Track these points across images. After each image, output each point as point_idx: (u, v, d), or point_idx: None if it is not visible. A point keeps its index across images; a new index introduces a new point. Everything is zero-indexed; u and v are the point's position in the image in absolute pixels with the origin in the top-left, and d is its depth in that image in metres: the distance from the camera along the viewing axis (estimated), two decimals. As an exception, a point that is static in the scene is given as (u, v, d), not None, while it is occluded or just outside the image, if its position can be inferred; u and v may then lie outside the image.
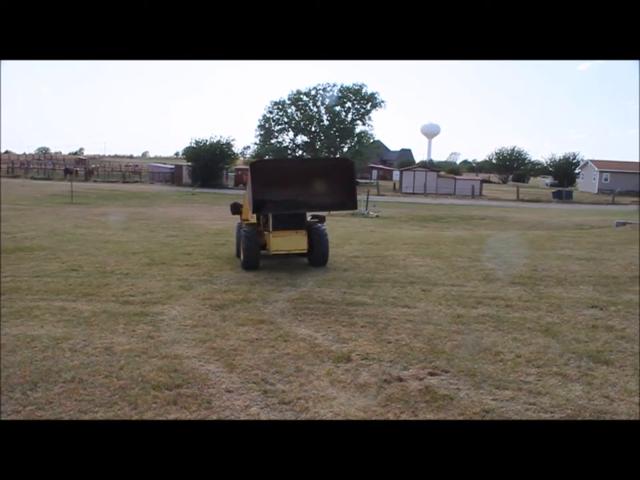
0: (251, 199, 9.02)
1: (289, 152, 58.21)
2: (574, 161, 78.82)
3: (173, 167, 59.98)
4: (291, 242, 10.34)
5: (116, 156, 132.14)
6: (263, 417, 4.37)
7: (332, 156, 58.81)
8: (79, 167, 66.53)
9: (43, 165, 69.13)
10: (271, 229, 10.31)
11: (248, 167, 9.46)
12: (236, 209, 12.54)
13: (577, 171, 75.95)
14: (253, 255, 10.33)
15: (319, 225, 10.83)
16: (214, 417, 4.36)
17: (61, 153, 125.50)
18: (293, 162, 12.05)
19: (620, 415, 4.43)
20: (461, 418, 4.38)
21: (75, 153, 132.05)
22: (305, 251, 10.55)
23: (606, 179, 62.16)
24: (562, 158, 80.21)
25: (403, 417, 4.38)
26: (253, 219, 11.13)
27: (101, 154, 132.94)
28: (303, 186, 9.95)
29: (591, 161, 67.08)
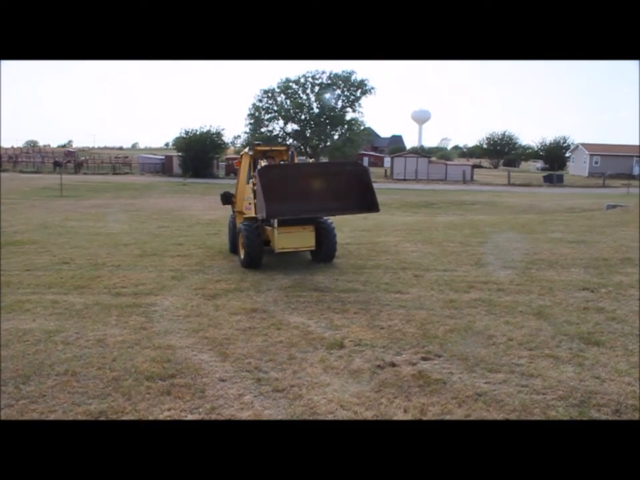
0: (264, 208, 7.92)
1: (280, 140, 57.89)
2: (564, 145, 78.92)
3: (163, 157, 59.67)
4: (298, 238, 9.49)
5: (105, 148, 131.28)
6: (257, 405, 4.38)
7: (323, 144, 58.67)
8: (68, 160, 65.99)
9: (32, 158, 68.50)
10: (275, 225, 9.37)
11: (256, 174, 8.46)
12: (227, 198, 11.85)
13: (567, 155, 76.11)
14: (256, 253, 9.47)
15: (326, 218, 9.98)
16: (207, 406, 4.37)
17: (49, 145, 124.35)
18: (304, 167, 10.50)
19: (610, 394, 4.47)
20: (454, 402, 4.41)
21: (64, 146, 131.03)
22: (313, 248, 9.74)
23: (596, 162, 62.33)
24: (552, 142, 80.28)
25: (397, 402, 4.40)
26: (250, 212, 9.98)
27: (90, 146, 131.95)
28: (318, 190, 8.77)
29: (581, 144, 67.19)
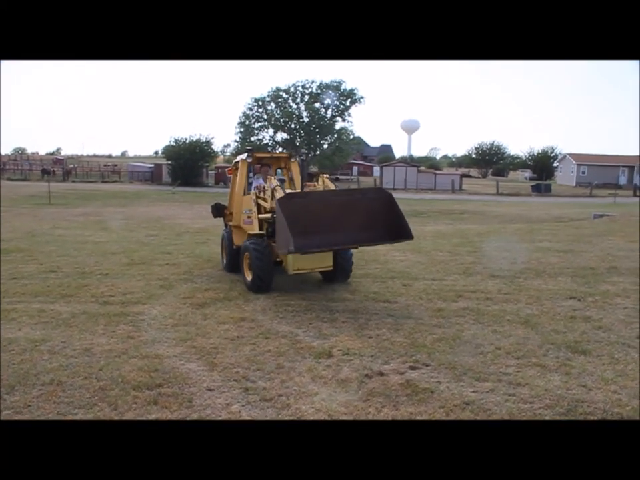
0: (291, 242, 6.94)
1: (269, 149, 57.94)
2: (552, 155, 79.65)
3: (153, 165, 59.57)
4: (316, 258, 8.45)
5: (94, 155, 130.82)
6: (244, 415, 4.36)
7: (312, 153, 58.75)
8: (57, 167, 65.65)
9: (20, 166, 68.08)
10: None
11: (276, 204, 7.51)
12: (218, 211, 10.89)
13: (555, 165, 76.77)
14: (267, 274, 8.38)
15: None
16: (195, 416, 4.34)
17: (37, 153, 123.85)
18: (326, 194, 8.55)
19: (597, 403, 4.50)
20: (441, 410, 4.41)
21: (53, 153, 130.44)
22: (331, 268, 8.77)
23: (583, 172, 62.90)
24: (540, 152, 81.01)
25: (384, 411, 4.40)
26: (249, 226, 9.13)
27: (79, 154, 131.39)
28: (344, 219, 7.75)
29: (569, 154, 67.81)
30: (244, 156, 10.02)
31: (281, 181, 8.92)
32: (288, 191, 8.66)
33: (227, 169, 11.65)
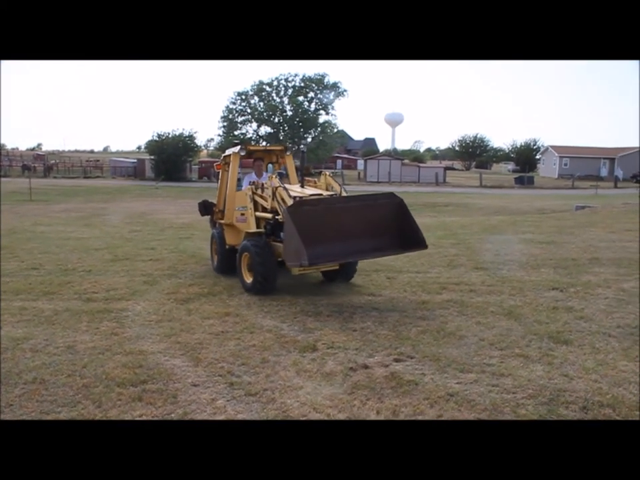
0: (304, 255, 6.47)
1: (253, 143, 57.79)
2: (535, 147, 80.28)
3: (136, 161, 59.08)
4: None
5: (76, 151, 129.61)
6: (229, 409, 4.35)
7: (296, 146, 58.66)
8: (38, 163, 64.90)
9: (-1, 162, 67.20)
10: None
11: (285, 212, 7.04)
12: (206, 208, 10.33)
13: (537, 157, 77.41)
14: (271, 274, 7.91)
15: None
16: (180, 412, 4.33)
17: (17, 148, 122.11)
18: (336, 201, 7.73)
19: (578, 392, 4.56)
20: (426, 402, 4.44)
21: (33, 149, 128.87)
22: (337, 267, 8.29)
23: (565, 164, 63.59)
24: (523, 144, 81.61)
25: (369, 404, 4.42)
26: (244, 225, 8.74)
27: (61, 149, 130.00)
28: (356, 227, 7.35)
29: (551, 146, 68.47)
30: (236, 149, 9.44)
31: (281, 175, 8.36)
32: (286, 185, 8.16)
33: (215, 164, 10.65)
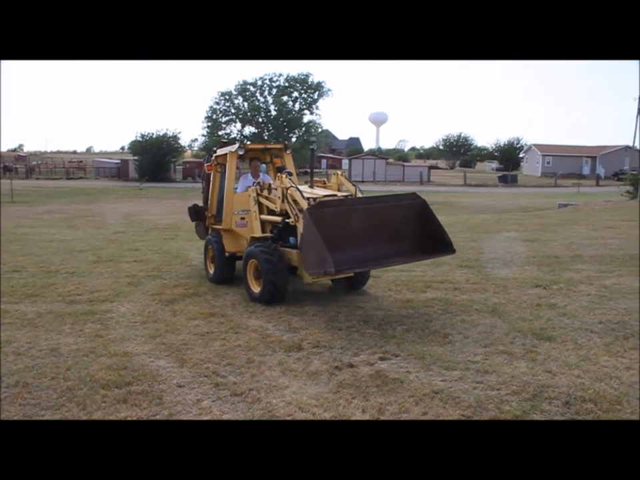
0: (329, 261, 5.90)
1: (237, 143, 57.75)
2: (518, 146, 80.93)
3: (119, 161, 58.76)
4: None
5: (59, 152, 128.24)
6: (215, 410, 4.35)
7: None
8: (19, 164, 64.21)
9: (-20, 164, 66.31)
10: None
11: (305, 215, 6.41)
12: (197, 213, 9.74)
13: (521, 155, 78.03)
14: (283, 282, 7.34)
15: None
16: (165, 413, 4.31)
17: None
18: (358, 202, 7.03)
19: (561, 387, 4.61)
20: (411, 400, 4.46)
21: (14, 150, 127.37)
22: (352, 274, 7.53)
23: (548, 163, 64.18)
24: (506, 143, 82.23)
25: (355, 402, 4.43)
26: (244, 230, 8.24)
27: (43, 150, 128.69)
28: (380, 230, 6.84)
29: (534, 145, 69.05)
30: (232, 148, 8.71)
31: (289, 174, 7.64)
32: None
33: (205, 165, 9.76)
